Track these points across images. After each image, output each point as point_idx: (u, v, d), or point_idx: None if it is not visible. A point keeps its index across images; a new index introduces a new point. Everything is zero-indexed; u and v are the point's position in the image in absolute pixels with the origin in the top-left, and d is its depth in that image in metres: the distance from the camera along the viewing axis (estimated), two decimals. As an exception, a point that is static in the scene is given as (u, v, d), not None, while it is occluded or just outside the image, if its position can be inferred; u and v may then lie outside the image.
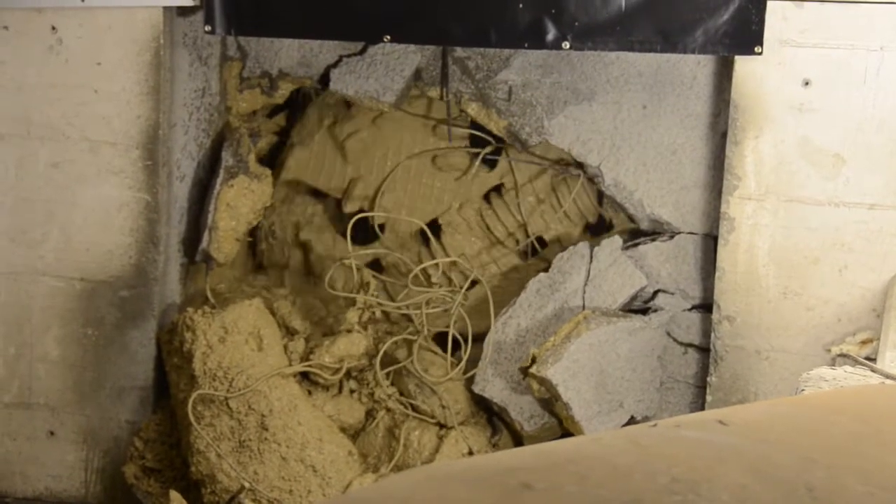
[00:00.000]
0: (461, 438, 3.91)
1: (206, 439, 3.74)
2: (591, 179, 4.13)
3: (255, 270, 4.48)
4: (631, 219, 4.10)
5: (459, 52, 4.13)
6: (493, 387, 3.93)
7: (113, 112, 3.89)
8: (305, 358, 3.92)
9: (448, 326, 4.07)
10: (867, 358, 3.30)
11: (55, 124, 3.92)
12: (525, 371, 3.79)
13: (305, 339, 4.00)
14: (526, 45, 3.76)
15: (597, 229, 4.23)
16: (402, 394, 4.02)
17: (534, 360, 3.77)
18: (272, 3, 3.83)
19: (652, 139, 3.99)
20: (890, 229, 3.58)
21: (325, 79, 4.24)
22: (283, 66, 4.27)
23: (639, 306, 4.01)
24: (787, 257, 3.67)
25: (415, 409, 3.99)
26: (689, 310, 3.98)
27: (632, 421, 3.84)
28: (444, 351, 4.05)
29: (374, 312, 4.11)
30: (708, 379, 3.80)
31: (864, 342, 3.58)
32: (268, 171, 4.21)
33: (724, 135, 3.76)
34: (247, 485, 3.71)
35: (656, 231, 4.06)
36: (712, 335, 3.77)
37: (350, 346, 3.93)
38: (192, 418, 3.75)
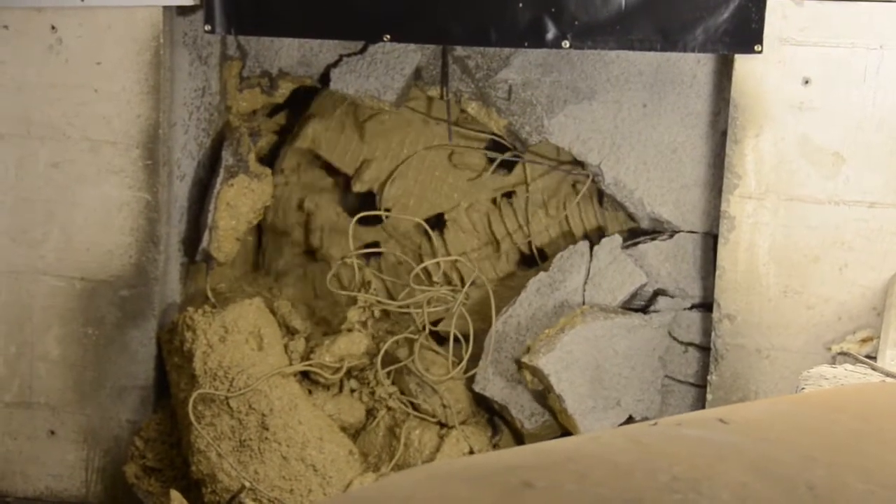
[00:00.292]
0: (462, 438, 3.92)
1: (207, 439, 3.74)
2: (593, 180, 4.13)
3: (255, 270, 4.49)
4: (631, 217, 4.10)
5: (459, 51, 4.13)
6: (494, 385, 3.93)
7: (113, 111, 3.89)
8: (306, 357, 3.92)
9: (448, 325, 4.08)
10: (867, 356, 3.30)
11: (55, 124, 3.92)
12: (519, 362, 3.80)
13: (306, 338, 4.00)
14: (526, 44, 3.76)
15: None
16: (403, 393, 4.02)
17: (528, 351, 3.78)
18: (272, 2, 3.83)
19: (652, 138, 3.99)
20: (890, 228, 3.58)
21: (325, 78, 4.23)
22: (283, 65, 4.27)
23: (639, 305, 4.01)
24: (788, 256, 3.67)
25: (415, 408, 3.99)
26: (690, 309, 3.98)
27: (631, 420, 3.84)
28: (445, 350, 4.06)
29: (374, 311, 4.11)
30: (708, 377, 3.80)
31: (864, 340, 3.58)
32: (268, 171, 4.21)
33: (724, 133, 3.76)
34: (247, 484, 3.71)
35: (656, 230, 4.06)
36: (713, 334, 3.77)
37: (350, 345, 3.93)
38: (192, 418, 3.75)
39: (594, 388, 3.77)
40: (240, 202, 4.09)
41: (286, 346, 3.92)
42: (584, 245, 3.99)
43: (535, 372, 3.74)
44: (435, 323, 4.13)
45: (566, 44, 3.68)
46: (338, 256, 4.28)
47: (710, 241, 3.93)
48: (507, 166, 4.29)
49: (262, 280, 4.41)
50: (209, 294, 4.17)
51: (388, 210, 4.28)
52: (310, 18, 3.86)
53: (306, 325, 4.11)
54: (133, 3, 3.82)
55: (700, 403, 3.93)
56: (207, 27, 3.87)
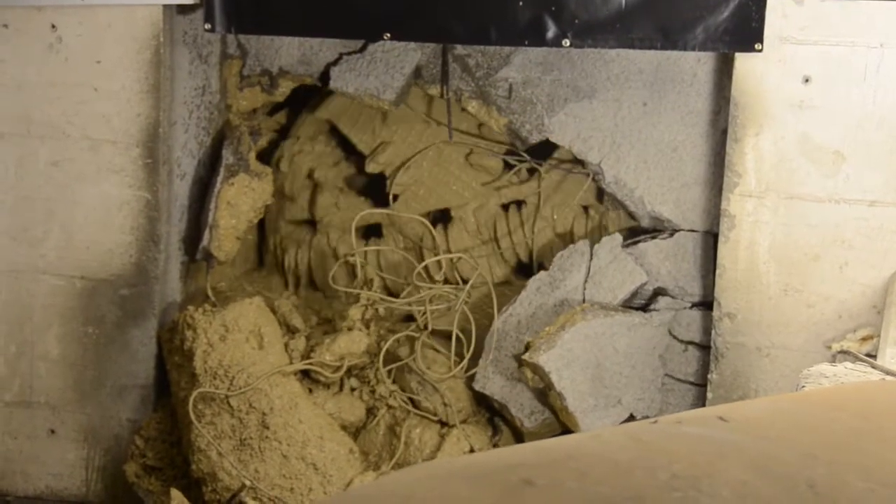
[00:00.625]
0: (462, 437, 3.92)
1: (207, 437, 3.74)
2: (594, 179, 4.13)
3: (257, 268, 4.49)
4: (631, 216, 4.10)
5: (460, 49, 4.13)
6: (494, 384, 3.93)
7: (113, 110, 3.89)
8: (306, 356, 3.92)
9: (442, 323, 4.08)
10: (868, 354, 3.30)
11: (55, 123, 3.92)
12: (520, 359, 3.80)
13: (306, 337, 4.00)
14: (526, 42, 3.76)
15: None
16: (404, 391, 4.01)
17: (528, 348, 3.78)
18: (272, 1, 3.83)
19: (652, 136, 3.99)
20: (890, 226, 3.58)
21: (325, 76, 4.23)
22: (283, 63, 4.27)
23: (639, 303, 4.01)
24: (788, 254, 3.67)
25: (416, 406, 3.99)
26: (690, 307, 3.98)
27: (632, 419, 3.84)
28: (447, 348, 4.06)
29: (376, 310, 4.11)
30: (708, 376, 3.80)
31: (864, 339, 3.58)
32: (268, 170, 4.21)
33: (724, 132, 3.76)
34: (248, 483, 3.71)
35: (657, 228, 4.06)
36: (713, 332, 3.77)
37: (351, 344, 3.93)
38: (192, 416, 3.75)
39: (595, 387, 3.77)
40: (240, 201, 4.09)
41: (286, 345, 3.92)
42: (584, 244, 3.99)
43: (536, 369, 3.74)
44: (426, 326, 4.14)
45: (566, 42, 3.68)
46: (337, 233, 4.26)
47: (711, 240, 3.93)
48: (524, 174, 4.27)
49: (261, 278, 4.41)
50: (209, 293, 4.17)
51: (395, 196, 4.27)
52: (310, 17, 3.86)
53: (306, 324, 4.11)
54: (133, 1, 3.82)
55: (700, 402, 3.93)
56: (207, 26, 3.87)
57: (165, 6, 3.84)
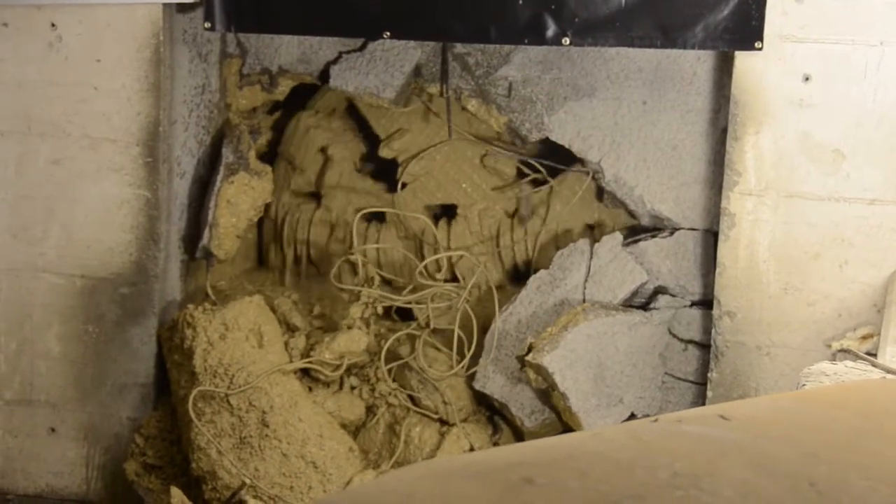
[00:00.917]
0: (462, 435, 3.92)
1: (207, 436, 3.74)
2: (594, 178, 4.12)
3: (258, 267, 4.48)
4: (632, 215, 4.10)
5: (459, 48, 4.13)
6: (494, 383, 3.93)
7: (113, 109, 3.89)
8: (306, 354, 3.92)
9: (450, 322, 4.08)
10: (868, 353, 3.30)
11: (55, 121, 3.92)
12: (522, 360, 3.80)
13: (306, 335, 4.00)
14: (526, 41, 3.76)
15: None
16: (404, 390, 4.01)
17: (531, 349, 3.78)
18: (272, -1, 3.83)
19: (652, 135, 3.99)
20: (890, 224, 3.58)
21: (325, 75, 4.23)
22: (282, 62, 4.27)
23: (640, 302, 4.01)
24: (788, 253, 3.66)
25: (416, 404, 3.99)
26: (690, 306, 3.98)
27: (633, 418, 3.84)
28: (448, 346, 4.06)
29: (377, 308, 4.11)
30: (709, 375, 3.80)
31: (864, 337, 3.58)
32: (268, 168, 4.21)
33: (724, 130, 3.76)
34: (247, 481, 3.71)
35: (657, 227, 4.06)
36: (713, 331, 3.77)
37: (350, 342, 3.93)
38: (192, 415, 3.75)
39: (597, 386, 3.77)
40: (240, 199, 4.09)
41: (286, 344, 3.92)
42: (584, 242, 3.99)
43: (540, 370, 3.74)
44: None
45: (566, 41, 3.68)
46: (339, 210, 4.26)
47: (711, 239, 3.93)
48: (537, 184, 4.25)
49: (260, 276, 4.41)
50: (209, 291, 4.17)
51: (404, 184, 4.26)
52: (309, 16, 3.86)
53: (306, 322, 4.11)
54: (133, 0, 3.82)
55: (700, 401, 3.93)
56: (207, 24, 3.87)
57: (165, 5, 3.84)
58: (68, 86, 3.89)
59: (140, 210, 3.93)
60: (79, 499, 4.11)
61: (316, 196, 4.39)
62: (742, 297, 3.72)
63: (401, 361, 4.02)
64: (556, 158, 4.17)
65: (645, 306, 3.98)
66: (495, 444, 3.98)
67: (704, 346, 3.91)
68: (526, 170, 4.21)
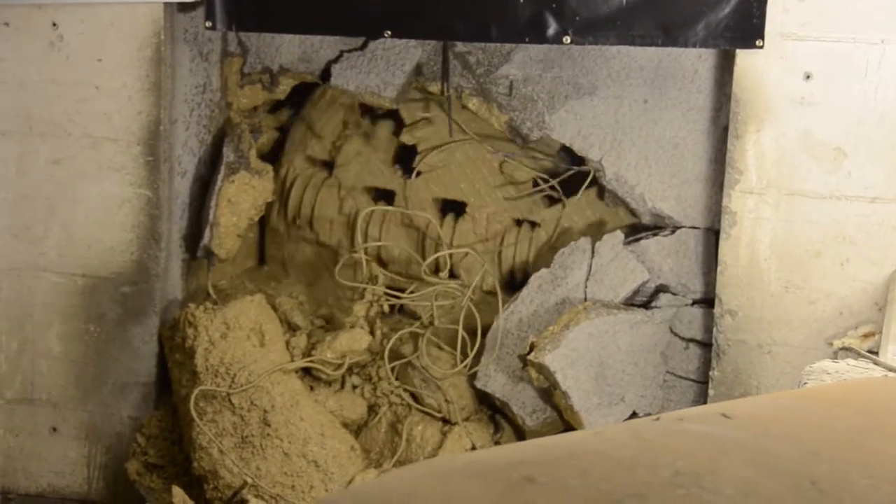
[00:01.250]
0: (464, 434, 3.92)
1: (209, 435, 3.74)
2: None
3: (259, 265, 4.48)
4: (633, 213, 4.09)
5: (460, 46, 4.13)
6: (496, 382, 3.93)
7: (114, 108, 3.89)
8: (307, 353, 3.92)
9: (454, 321, 4.08)
10: (869, 351, 3.30)
11: (56, 121, 3.92)
12: (524, 359, 3.80)
13: (307, 334, 4.00)
14: (527, 39, 3.75)
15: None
16: (407, 389, 4.01)
17: (532, 348, 3.78)
18: (273, -2, 3.83)
19: (653, 133, 3.99)
20: (891, 222, 3.57)
21: (326, 74, 4.23)
22: (283, 61, 4.27)
23: (641, 301, 4.01)
24: (789, 251, 3.66)
25: (418, 402, 3.99)
26: (691, 304, 3.98)
27: (634, 416, 3.84)
28: (450, 345, 4.06)
29: (381, 306, 4.10)
30: (710, 373, 3.80)
31: (866, 335, 3.58)
32: (269, 167, 4.21)
33: (725, 128, 3.76)
34: (249, 480, 3.71)
35: (658, 226, 4.05)
36: (714, 329, 3.77)
37: (352, 341, 3.93)
38: (194, 414, 3.75)
39: (598, 385, 3.77)
40: (241, 199, 4.09)
41: (288, 343, 3.92)
42: (585, 241, 3.99)
43: (542, 369, 3.74)
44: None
45: (567, 39, 3.68)
46: (349, 185, 4.26)
47: (712, 237, 3.92)
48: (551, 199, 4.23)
49: (262, 276, 4.40)
50: (210, 290, 4.17)
51: (419, 172, 4.25)
52: (310, 14, 3.86)
53: (308, 321, 4.11)
54: (134, -1, 3.82)
55: (702, 399, 3.93)
56: (208, 23, 3.87)
57: (166, 4, 3.84)
58: (69, 85, 3.89)
59: (141, 209, 3.93)
60: (80, 498, 4.11)
61: (329, 165, 4.36)
62: (743, 296, 3.72)
63: (404, 360, 4.02)
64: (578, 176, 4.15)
65: (646, 305, 3.98)
66: (497, 442, 3.98)
67: (706, 345, 3.91)
68: (542, 185, 4.18)
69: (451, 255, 4.20)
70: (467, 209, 4.24)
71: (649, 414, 3.86)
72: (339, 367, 3.93)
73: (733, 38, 3.59)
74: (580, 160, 4.09)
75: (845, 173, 3.59)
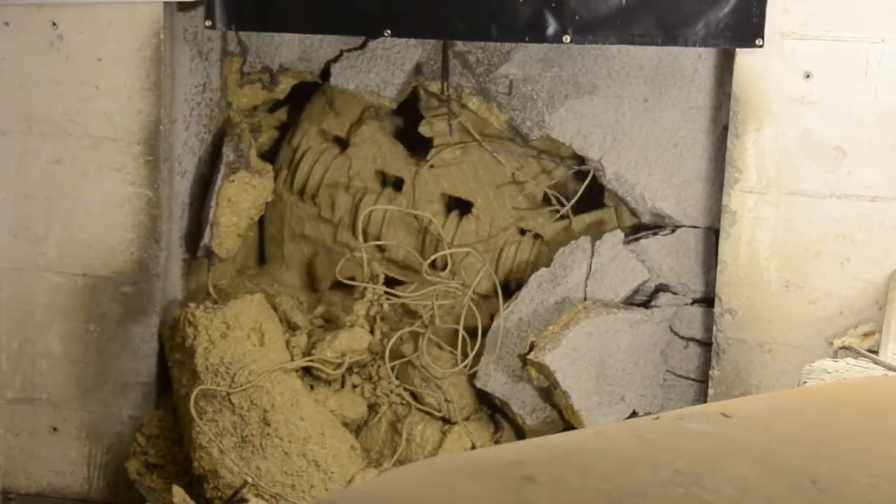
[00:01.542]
0: (464, 434, 3.92)
1: (209, 435, 3.74)
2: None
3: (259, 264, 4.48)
4: (633, 212, 4.09)
5: (460, 46, 4.13)
6: (495, 381, 3.93)
7: (114, 108, 3.89)
8: (307, 353, 3.92)
9: (454, 320, 4.07)
10: (870, 350, 3.30)
11: (56, 120, 3.92)
12: (524, 358, 3.79)
13: (307, 333, 4.00)
14: (527, 38, 3.76)
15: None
16: (407, 388, 4.01)
17: (532, 347, 3.78)
18: (273, -3, 3.83)
19: (653, 132, 3.99)
20: (892, 221, 3.58)
21: (325, 73, 4.23)
22: (283, 60, 4.27)
23: (641, 300, 4.01)
24: (789, 250, 3.66)
25: (419, 402, 3.99)
26: (691, 304, 3.98)
27: (634, 416, 3.84)
28: (450, 344, 4.06)
29: (382, 305, 4.10)
30: (710, 372, 3.80)
31: (866, 335, 3.58)
32: (269, 166, 4.21)
33: (725, 128, 3.76)
34: (249, 480, 3.71)
35: (658, 225, 4.05)
36: (714, 328, 3.77)
37: (352, 341, 3.93)
38: (194, 414, 3.75)
39: (599, 384, 3.77)
40: (241, 198, 4.09)
41: (288, 342, 3.92)
42: (585, 240, 3.99)
43: (542, 369, 3.74)
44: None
45: (567, 38, 3.68)
46: (360, 164, 4.25)
47: (712, 236, 3.92)
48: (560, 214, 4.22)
49: (262, 275, 4.40)
50: (211, 290, 4.17)
51: (432, 165, 4.24)
52: (310, 14, 3.86)
53: (307, 320, 4.11)
54: (133, -1, 3.82)
55: (702, 399, 3.93)
56: (208, 23, 3.87)
57: (166, 3, 3.84)
58: (69, 85, 3.89)
59: (141, 209, 3.93)
60: (81, 498, 4.11)
61: (342, 143, 4.36)
62: (743, 295, 3.72)
63: (404, 359, 4.02)
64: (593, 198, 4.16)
65: (646, 304, 3.98)
66: (497, 442, 3.98)
67: (706, 344, 3.91)
68: (554, 201, 4.18)
69: (451, 255, 4.19)
70: (473, 210, 4.24)
71: (649, 413, 3.86)
72: (339, 366, 3.93)
73: (733, 37, 3.59)
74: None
75: (845, 172, 3.59)
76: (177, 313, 3.97)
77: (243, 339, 3.80)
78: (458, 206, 4.29)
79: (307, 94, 4.41)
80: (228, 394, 3.74)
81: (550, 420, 3.92)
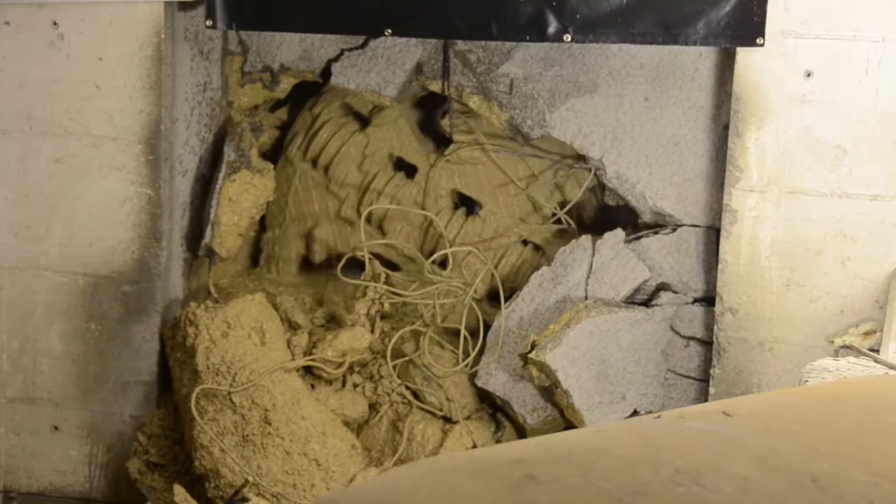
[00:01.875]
0: (465, 433, 3.92)
1: (210, 434, 3.74)
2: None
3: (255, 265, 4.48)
4: (633, 211, 4.10)
5: (461, 45, 4.13)
6: (496, 380, 3.93)
7: (115, 107, 3.89)
8: (308, 352, 3.92)
9: (456, 320, 4.07)
10: (870, 349, 3.30)
11: (57, 120, 3.92)
12: (525, 357, 3.79)
13: (308, 333, 4.00)
14: (527, 37, 3.76)
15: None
16: (408, 387, 4.01)
17: (533, 346, 3.78)
18: (273, -3, 3.83)
19: (654, 131, 3.99)
20: (893, 220, 3.58)
21: (326, 72, 4.23)
22: (284, 60, 4.27)
23: (642, 299, 4.01)
24: (790, 249, 3.66)
25: (420, 400, 3.99)
26: (692, 302, 3.98)
27: (635, 415, 3.84)
28: (451, 343, 4.06)
29: (383, 305, 4.10)
30: (711, 371, 3.80)
31: (867, 333, 3.58)
32: (270, 166, 4.21)
33: (726, 126, 3.76)
34: (250, 479, 3.71)
35: (659, 224, 4.05)
36: (715, 327, 3.77)
37: (353, 340, 3.93)
38: (195, 413, 3.75)
39: (600, 383, 3.77)
40: (242, 197, 4.10)
41: (289, 341, 3.92)
42: (586, 239, 3.99)
43: (543, 368, 3.74)
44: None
45: (568, 37, 3.68)
46: (377, 143, 4.25)
47: (713, 235, 3.92)
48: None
49: (263, 274, 4.40)
50: (211, 289, 4.17)
51: (448, 160, 4.24)
52: (311, 13, 3.86)
53: (308, 319, 4.11)
54: (134, -2, 3.82)
55: (703, 397, 3.93)
56: (209, 22, 3.87)
57: (167, 3, 3.84)
58: (70, 84, 3.89)
59: (142, 208, 3.93)
60: (82, 497, 4.12)
61: (363, 121, 4.36)
62: (744, 294, 3.72)
63: (405, 359, 4.02)
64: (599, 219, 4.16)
65: (647, 303, 3.98)
66: (498, 441, 3.98)
67: (707, 343, 3.91)
68: (562, 221, 4.18)
69: (452, 254, 4.19)
70: (480, 212, 4.25)
71: (650, 412, 3.86)
72: (340, 365, 3.93)
73: (734, 36, 3.59)
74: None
75: (846, 171, 3.59)
76: (178, 312, 3.97)
77: (244, 339, 3.80)
78: (467, 205, 4.30)
79: (308, 93, 4.41)
80: (229, 393, 3.74)
81: (551, 419, 3.92)
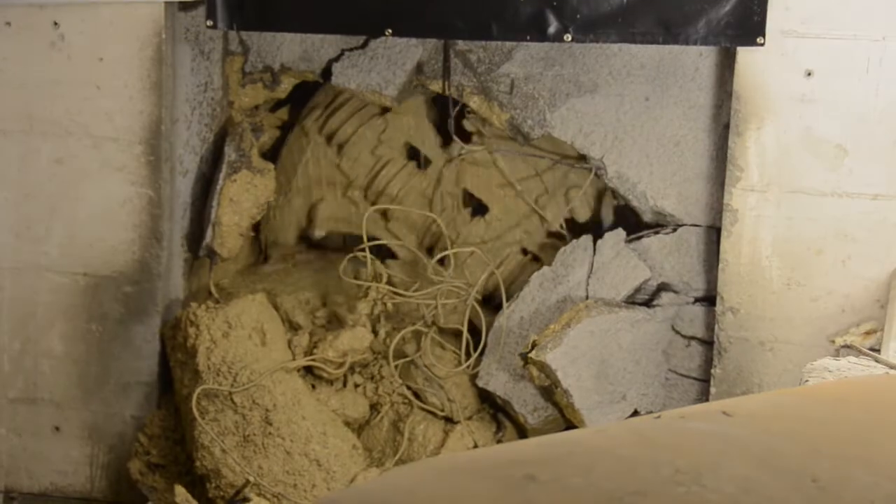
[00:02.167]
0: (466, 433, 3.92)
1: (211, 434, 3.74)
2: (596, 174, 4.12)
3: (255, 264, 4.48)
4: (634, 211, 4.09)
5: (461, 45, 4.13)
6: (497, 380, 3.93)
7: (115, 107, 3.89)
8: (309, 352, 3.92)
9: (458, 320, 4.07)
10: (871, 349, 3.30)
11: (58, 120, 3.92)
12: (525, 357, 3.79)
13: (309, 333, 4.00)
14: (528, 37, 3.76)
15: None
16: (410, 388, 4.01)
17: (533, 346, 3.78)
18: (274, -3, 3.83)
19: (655, 131, 3.99)
20: (893, 219, 3.57)
21: (327, 73, 4.23)
22: (284, 60, 4.27)
23: (642, 299, 4.01)
24: (791, 248, 3.66)
25: (421, 400, 3.99)
26: (693, 302, 3.98)
27: (636, 414, 3.84)
28: (453, 343, 4.06)
29: (385, 305, 4.11)
30: (712, 371, 3.80)
31: (867, 333, 3.58)
32: (270, 166, 4.21)
33: (726, 126, 3.76)
34: (251, 479, 3.72)
35: (659, 223, 4.05)
36: (716, 327, 3.77)
37: (354, 340, 3.93)
38: (196, 413, 3.75)
39: (600, 383, 3.77)
40: (242, 197, 4.10)
41: (289, 342, 3.92)
42: (586, 239, 3.99)
43: (543, 367, 3.74)
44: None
45: (568, 37, 3.68)
46: (392, 133, 4.25)
47: (714, 235, 3.92)
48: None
49: (263, 273, 4.40)
50: (212, 290, 4.17)
51: (463, 158, 4.24)
52: (311, 13, 3.86)
53: (309, 320, 4.11)
54: (135, -2, 3.83)
55: (703, 397, 3.93)
56: (209, 22, 3.87)
57: (167, 3, 3.84)
58: (71, 84, 3.89)
59: (143, 208, 3.93)
60: (83, 497, 4.12)
61: (384, 110, 4.35)
62: (745, 293, 3.72)
63: (406, 359, 4.02)
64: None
65: (648, 303, 3.98)
66: (499, 441, 3.98)
67: (707, 343, 3.91)
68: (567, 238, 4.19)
69: (455, 253, 4.20)
70: (486, 216, 4.25)
71: (651, 412, 3.86)
72: (340, 365, 3.93)
73: (734, 35, 3.59)
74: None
75: (847, 170, 3.59)
76: (178, 313, 3.97)
77: (245, 339, 3.80)
78: (474, 206, 4.30)
79: (308, 93, 4.41)
80: (230, 393, 3.74)
81: (552, 419, 3.92)
